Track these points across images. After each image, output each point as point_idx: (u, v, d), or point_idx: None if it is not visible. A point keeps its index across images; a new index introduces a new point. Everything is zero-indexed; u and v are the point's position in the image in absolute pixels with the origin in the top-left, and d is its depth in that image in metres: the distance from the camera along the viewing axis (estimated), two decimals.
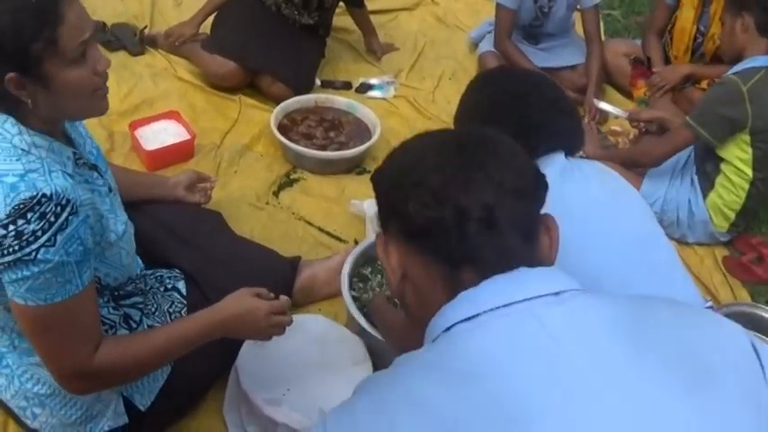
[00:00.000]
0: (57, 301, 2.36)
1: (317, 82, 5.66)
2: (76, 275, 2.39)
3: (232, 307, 2.77)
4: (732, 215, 4.49)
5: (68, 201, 2.33)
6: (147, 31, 5.88)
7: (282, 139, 4.77)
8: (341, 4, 5.87)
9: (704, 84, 5.43)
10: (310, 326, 3.42)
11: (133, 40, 5.74)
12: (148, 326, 3.01)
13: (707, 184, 4.49)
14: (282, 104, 5.08)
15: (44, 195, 2.28)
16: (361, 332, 3.38)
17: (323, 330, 3.43)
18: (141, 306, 3.04)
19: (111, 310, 2.89)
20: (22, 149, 2.36)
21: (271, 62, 5.30)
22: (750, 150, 4.27)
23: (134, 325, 2.96)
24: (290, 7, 5.49)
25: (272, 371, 3.18)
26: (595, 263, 2.47)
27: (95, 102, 2.55)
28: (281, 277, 3.59)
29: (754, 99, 4.16)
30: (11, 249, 2.26)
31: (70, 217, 2.33)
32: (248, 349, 3.23)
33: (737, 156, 4.31)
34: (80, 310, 2.45)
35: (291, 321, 2.91)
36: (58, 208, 2.30)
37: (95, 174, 2.69)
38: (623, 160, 4.71)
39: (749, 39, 4.34)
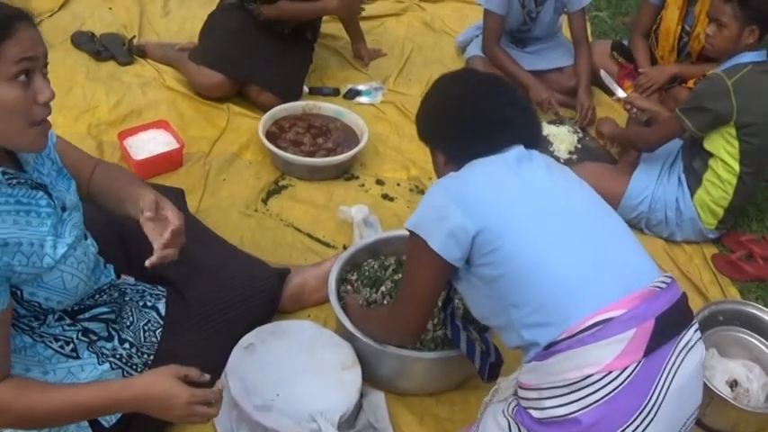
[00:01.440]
0: None
1: (305, 89, 5.66)
2: None
3: (147, 386, 2.57)
4: (720, 211, 4.50)
5: None
6: (135, 40, 5.89)
7: (270, 146, 4.78)
8: None
9: (691, 83, 5.45)
10: (299, 331, 3.44)
11: (122, 50, 5.75)
12: (121, 340, 2.99)
13: (694, 182, 4.51)
14: (270, 112, 5.09)
15: None
16: (350, 337, 3.40)
17: (312, 336, 3.45)
18: (110, 317, 3.00)
19: (66, 327, 2.82)
20: None
21: (258, 73, 5.30)
22: (737, 144, 4.30)
23: (105, 342, 2.94)
24: None
25: (262, 376, 3.19)
26: (550, 232, 2.64)
27: (29, 135, 2.45)
28: (267, 288, 3.57)
29: (738, 93, 4.19)
30: None
31: None
32: (238, 355, 3.25)
33: (725, 149, 4.33)
34: None
35: (217, 414, 2.66)
36: None
37: (39, 194, 2.61)
38: (626, 140, 4.86)
39: (751, 47, 4.35)
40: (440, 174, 3.01)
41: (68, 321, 2.84)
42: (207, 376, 2.67)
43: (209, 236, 3.69)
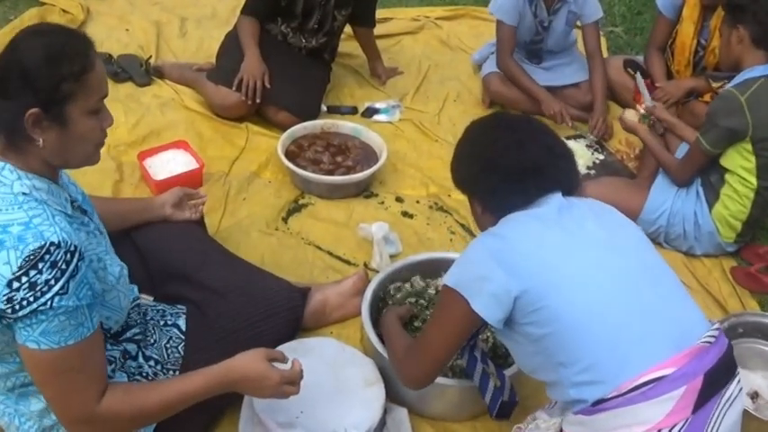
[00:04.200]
0: (69, 343, 2.40)
1: (323, 108, 5.68)
2: (88, 318, 2.44)
3: (244, 369, 2.80)
4: (738, 225, 4.51)
5: (76, 247, 2.39)
6: (152, 61, 5.92)
7: (290, 165, 4.80)
8: (346, 28, 5.91)
9: (707, 97, 5.45)
10: (322, 349, 3.45)
11: (139, 71, 5.78)
12: (145, 358, 3.03)
13: (712, 196, 4.52)
14: (289, 131, 5.10)
15: (52, 244, 2.33)
16: (376, 355, 3.43)
17: (335, 353, 3.46)
18: (140, 338, 3.05)
19: (110, 347, 2.90)
20: (24, 193, 2.41)
21: (276, 93, 5.29)
22: (753, 159, 4.31)
23: (131, 361, 2.98)
24: (296, 35, 5.53)
25: None
26: (597, 290, 2.59)
27: (95, 154, 2.62)
28: (290, 305, 3.59)
29: (752, 108, 4.21)
30: (25, 302, 2.30)
31: (79, 263, 2.39)
32: None
33: (741, 165, 4.35)
34: (90, 352, 2.50)
35: (298, 392, 2.91)
36: (68, 255, 2.36)
37: (86, 217, 2.73)
38: (662, 159, 4.76)
39: (744, 50, 4.38)
40: (478, 222, 3.00)
41: (111, 341, 2.92)
42: (287, 357, 2.93)
43: (229, 257, 3.71)
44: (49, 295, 2.31)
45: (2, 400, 2.73)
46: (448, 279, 2.72)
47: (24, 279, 2.29)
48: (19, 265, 2.29)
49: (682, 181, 4.64)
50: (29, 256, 2.29)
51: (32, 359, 2.42)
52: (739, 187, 4.40)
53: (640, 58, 6.08)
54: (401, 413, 3.40)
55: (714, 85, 5.40)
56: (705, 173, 4.55)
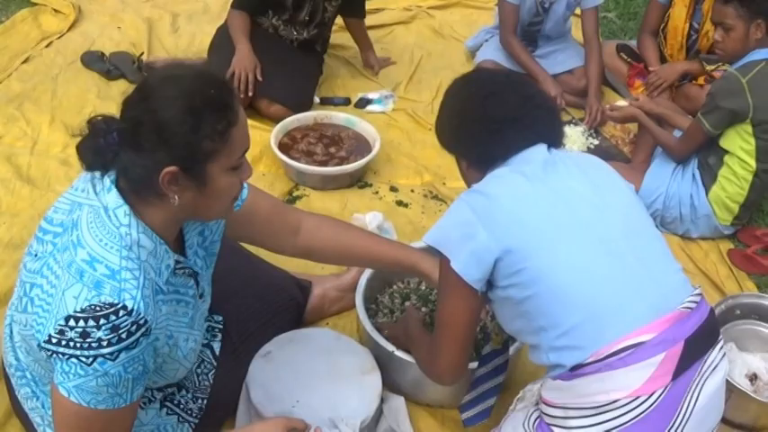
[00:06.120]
0: (100, 408, 2.30)
1: (316, 99, 5.68)
2: (128, 391, 2.34)
3: None
4: (735, 208, 4.50)
5: (146, 321, 2.26)
6: (144, 58, 5.91)
7: (283, 157, 4.79)
8: (338, 20, 5.91)
9: (701, 80, 5.45)
10: (318, 338, 3.45)
11: (132, 69, 5.77)
12: (178, 387, 2.96)
13: (709, 178, 4.51)
14: (282, 123, 5.10)
15: (124, 307, 2.21)
16: (371, 343, 3.42)
17: (330, 342, 3.46)
18: (182, 380, 2.99)
19: (155, 391, 2.85)
20: (125, 244, 2.28)
21: (268, 86, 5.30)
22: (753, 141, 4.32)
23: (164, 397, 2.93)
24: (288, 28, 5.53)
25: (282, 383, 3.20)
26: (579, 254, 2.54)
27: (231, 208, 2.52)
28: (293, 304, 3.61)
29: (754, 90, 4.22)
30: (71, 344, 2.20)
31: (141, 338, 2.26)
32: (257, 364, 3.27)
33: (741, 146, 4.35)
34: (119, 422, 2.42)
35: None
36: (134, 326, 2.24)
37: (191, 282, 2.62)
38: (659, 136, 4.77)
39: (761, 42, 4.37)
40: (465, 179, 2.93)
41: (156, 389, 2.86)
42: (308, 425, 2.83)
43: (233, 247, 3.61)
44: (93, 353, 2.20)
45: (38, 387, 2.66)
46: (429, 236, 2.67)
47: (81, 324, 2.19)
48: (83, 307, 2.19)
49: (680, 158, 4.65)
50: (96, 306, 2.19)
51: (58, 402, 2.33)
52: (738, 169, 4.40)
53: (633, 43, 6.08)
54: (398, 401, 3.39)
55: (708, 67, 5.40)
56: (703, 155, 4.56)
